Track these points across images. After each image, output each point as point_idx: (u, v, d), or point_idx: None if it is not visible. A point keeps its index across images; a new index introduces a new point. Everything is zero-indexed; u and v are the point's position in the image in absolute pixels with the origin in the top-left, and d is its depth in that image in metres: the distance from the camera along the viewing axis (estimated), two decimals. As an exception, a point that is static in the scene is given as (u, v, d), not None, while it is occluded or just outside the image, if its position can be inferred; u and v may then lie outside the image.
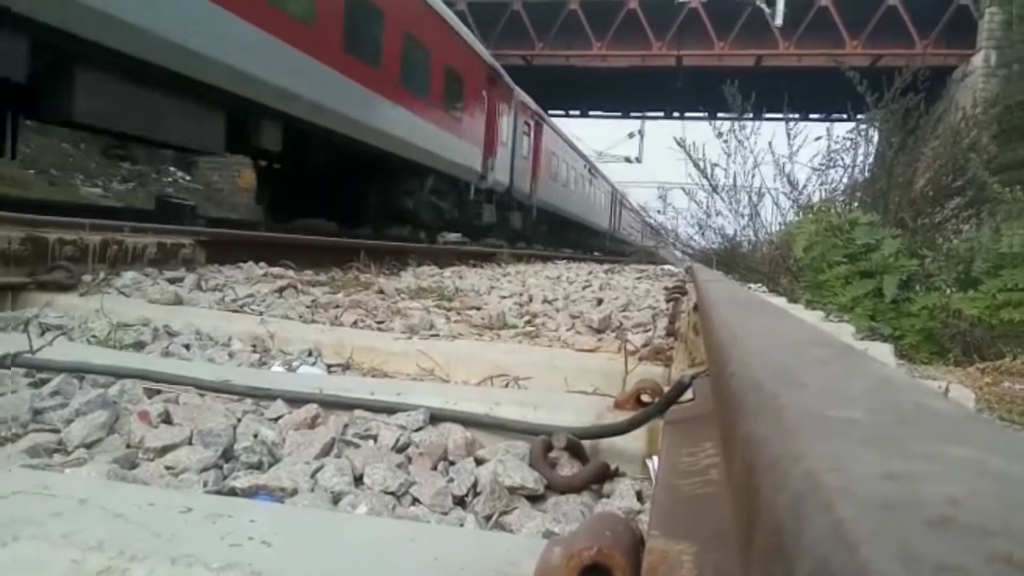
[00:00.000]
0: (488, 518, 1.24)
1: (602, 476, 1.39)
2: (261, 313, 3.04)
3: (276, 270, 4.69)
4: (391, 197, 12.05)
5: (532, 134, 19.92)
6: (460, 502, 1.29)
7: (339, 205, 12.10)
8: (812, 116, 26.65)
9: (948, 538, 0.24)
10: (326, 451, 1.42)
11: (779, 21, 23.72)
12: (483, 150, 15.42)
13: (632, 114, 38.14)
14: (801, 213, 7.91)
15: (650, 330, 3.34)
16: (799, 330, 0.87)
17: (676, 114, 32.38)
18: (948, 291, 4.98)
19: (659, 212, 13.97)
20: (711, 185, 9.60)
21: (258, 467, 1.33)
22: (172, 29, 6.28)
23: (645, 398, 1.65)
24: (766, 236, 9.43)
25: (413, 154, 11.63)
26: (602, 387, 2.14)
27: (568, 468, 1.42)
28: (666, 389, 1.56)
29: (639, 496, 1.33)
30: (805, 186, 8.50)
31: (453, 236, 16.54)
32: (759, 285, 6.63)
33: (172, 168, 18.71)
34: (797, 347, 0.70)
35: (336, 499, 1.23)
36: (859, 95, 7.68)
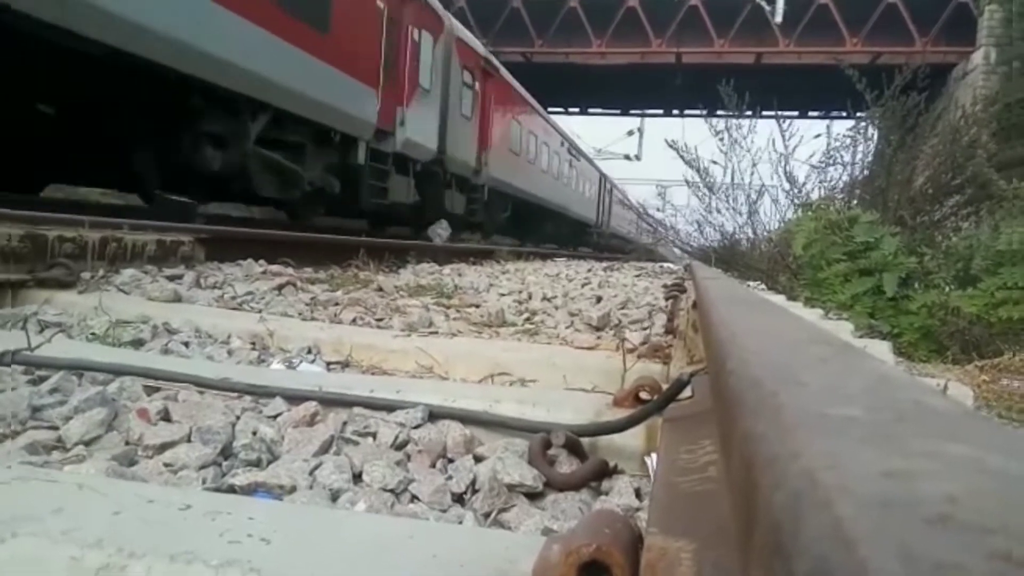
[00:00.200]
0: (487, 515, 1.24)
1: (601, 473, 1.39)
2: (260, 311, 3.03)
3: (275, 267, 4.69)
4: (182, 148, 7.02)
5: (480, 89, 14.75)
6: (459, 499, 1.30)
7: (106, 162, 7.42)
8: (812, 114, 26.68)
9: (947, 536, 0.24)
10: (325, 448, 1.42)
11: (779, 18, 23.71)
12: (381, 93, 9.93)
13: (631, 112, 38.13)
14: (800, 211, 7.91)
15: (649, 328, 3.34)
16: (798, 328, 0.87)
17: (675, 112, 32.38)
18: (947, 289, 4.99)
19: (658, 209, 13.99)
20: (706, 185, 9.60)
21: (257, 464, 1.33)
22: None
23: (644, 396, 1.65)
24: (765, 234, 9.44)
25: (220, 76, 6.72)
26: (601, 384, 2.14)
27: (567, 465, 1.42)
28: (665, 387, 1.56)
29: (638, 493, 1.33)
30: (804, 184, 8.51)
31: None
32: (758, 283, 6.63)
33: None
34: (796, 345, 0.70)
35: (335, 496, 1.23)
36: (859, 93, 7.69)
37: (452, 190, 13.69)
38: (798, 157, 8.64)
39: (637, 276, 8.37)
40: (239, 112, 7.38)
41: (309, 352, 2.42)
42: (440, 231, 12.89)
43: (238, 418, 1.51)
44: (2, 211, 3.38)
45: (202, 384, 1.67)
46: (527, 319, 3.55)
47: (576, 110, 35.00)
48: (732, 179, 9.58)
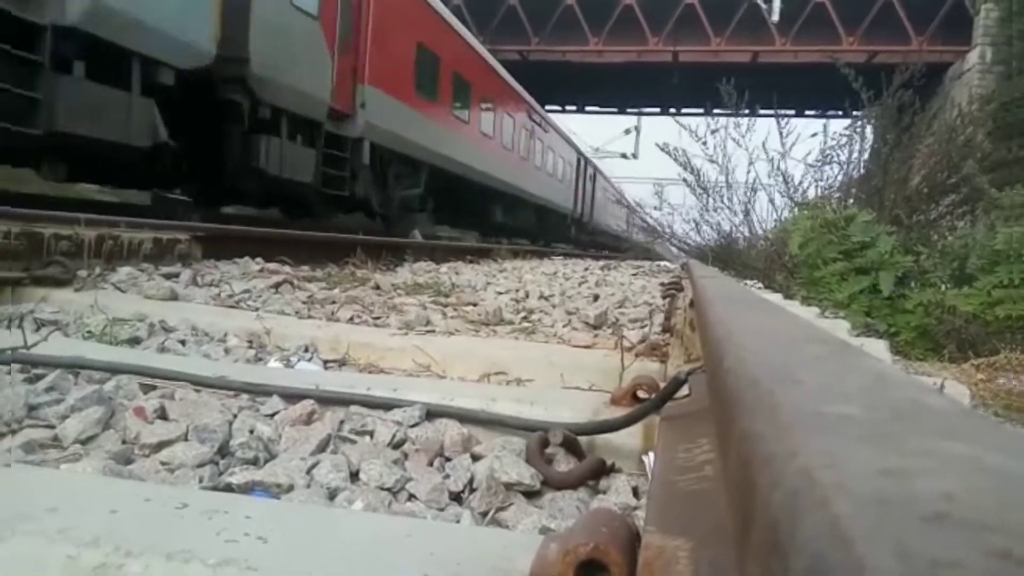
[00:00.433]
0: (484, 514, 1.24)
1: (598, 472, 1.39)
2: (257, 309, 3.03)
3: (272, 266, 4.69)
4: None
5: None
6: (456, 498, 1.30)
7: None
8: (808, 112, 26.69)
9: (944, 534, 0.24)
10: (322, 447, 1.41)
11: (776, 17, 23.73)
12: None
13: (628, 110, 38.12)
14: (797, 210, 7.92)
15: (646, 326, 3.34)
16: (795, 326, 0.87)
17: (672, 110, 32.38)
18: (943, 288, 4.99)
19: (655, 208, 13.99)
20: (701, 187, 9.61)
21: (254, 463, 1.33)
22: None
23: (641, 394, 1.65)
24: (762, 233, 9.45)
25: None
26: (598, 383, 2.14)
27: (564, 464, 1.42)
28: (662, 385, 1.56)
29: (635, 492, 1.33)
30: (801, 183, 8.52)
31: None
32: (755, 282, 6.64)
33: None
34: (793, 343, 0.71)
35: (332, 495, 1.22)
36: (855, 92, 7.69)
37: (280, 139, 7.87)
38: (795, 156, 8.65)
39: (634, 275, 8.38)
40: None
41: (306, 350, 2.42)
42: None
43: (235, 416, 1.51)
44: (-2, 209, 3.35)
45: (199, 382, 1.66)
46: (524, 317, 3.55)
47: (573, 108, 34.98)
48: (727, 178, 9.59)
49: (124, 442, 1.38)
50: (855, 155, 8.53)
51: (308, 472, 1.28)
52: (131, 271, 3.57)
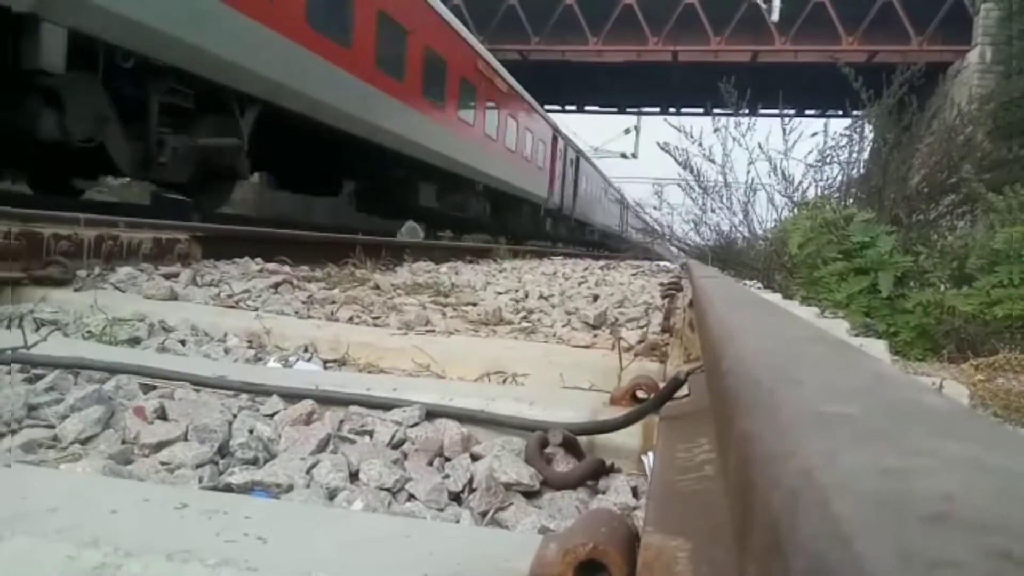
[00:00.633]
0: (484, 514, 1.24)
1: (598, 472, 1.39)
2: (257, 309, 3.03)
3: (272, 265, 4.68)
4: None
5: None
6: (456, 498, 1.29)
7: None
8: (808, 112, 26.69)
9: (944, 534, 0.24)
10: (322, 447, 1.41)
11: (775, 17, 23.74)
12: None
13: (628, 110, 38.12)
14: (796, 210, 7.92)
15: (646, 326, 3.34)
16: (794, 326, 0.87)
17: (672, 110, 32.37)
18: (942, 288, 4.99)
19: (655, 208, 13.99)
20: (700, 187, 9.62)
21: (254, 463, 1.33)
22: None
23: (641, 394, 1.65)
24: (761, 232, 9.45)
25: None
26: (598, 383, 2.14)
27: (564, 464, 1.42)
28: (661, 385, 1.56)
29: (635, 492, 1.33)
30: (800, 182, 8.53)
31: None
32: (754, 282, 6.64)
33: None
34: (792, 343, 0.71)
35: (332, 495, 1.22)
36: (855, 91, 7.70)
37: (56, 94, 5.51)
38: (795, 156, 8.66)
39: (634, 275, 8.38)
40: None
41: (306, 350, 2.42)
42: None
43: (235, 416, 1.51)
44: (-3, 209, 3.34)
45: (199, 382, 1.66)
46: (524, 317, 3.55)
47: (573, 108, 34.97)
48: (725, 179, 9.60)
49: (124, 442, 1.38)
50: (855, 155, 8.54)
51: (308, 472, 1.28)
52: (131, 271, 3.56)
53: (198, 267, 4.24)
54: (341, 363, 2.38)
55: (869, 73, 7.77)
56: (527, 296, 4.63)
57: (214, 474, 1.28)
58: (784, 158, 8.55)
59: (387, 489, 1.26)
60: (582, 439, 1.49)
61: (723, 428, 0.61)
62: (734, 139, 9.27)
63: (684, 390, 1.46)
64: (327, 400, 1.61)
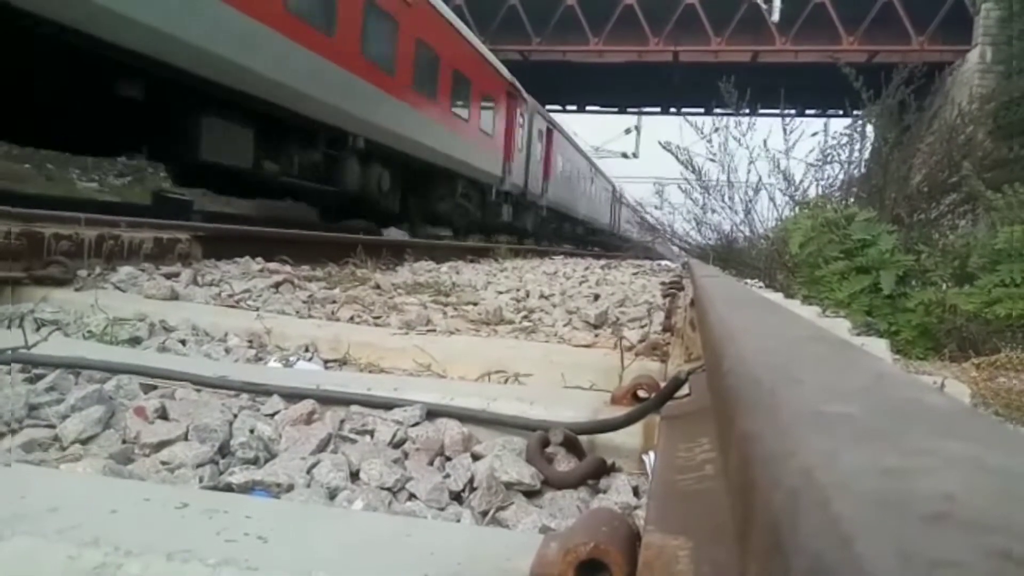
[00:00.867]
0: (485, 513, 1.24)
1: (599, 471, 1.39)
2: (257, 308, 3.03)
3: (272, 265, 4.68)
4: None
5: None
6: (456, 497, 1.29)
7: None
8: (808, 112, 26.69)
9: (944, 534, 0.24)
10: (322, 447, 1.41)
11: (776, 17, 23.72)
12: None
13: (629, 110, 38.10)
14: (797, 209, 7.92)
15: (646, 326, 3.34)
16: (795, 326, 0.87)
17: (673, 110, 32.35)
18: (944, 287, 4.99)
19: (656, 207, 13.99)
20: (702, 186, 9.63)
21: (254, 463, 1.33)
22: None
23: (642, 394, 1.65)
24: (762, 232, 9.45)
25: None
26: (599, 383, 2.14)
27: (565, 463, 1.42)
28: (663, 385, 1.56)
29: (635, 491, 1.33)
30: (801, 182, 8.53)
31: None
32: (755, 281, 6.63)
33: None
34: (793, 343, 0.70)
35: (332, 495, 1.22)
36: (856, 91, 7.70)
37: None
38: (795, 155, 8.66)
39: (635, 274, 8.38)
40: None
41: (306, 350, 2.42)
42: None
43: (235, 416, 1.51)
44: (-2, 209, 3.33)
45: (199, 382, 1.66)
46: (525, 317, 3.55)
47: (574, 108, 34.96)
48: (728, 178, 9.60)
49: (124, 442, 1.38)
50: (856, 154, 8.53)
51: (308, 472, 1.28)
52: (131, 271, 3.56)
53: (199, 267, 4.24)
54: (342, 363, 2.38)
55: (869, 73, 7.76)
56: (528, 295, 4.63)
57: (214, 474, 1.28)
58: (785, 157, 8.55)
59: (388, 488, 1.26)
60: (583, 438, 1.49)
61: (724, 427, 0.61)
62: (735, 139, 9.27)
63: (685, 389, 1.46)
64: (328, 400, 1.61)
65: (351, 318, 3.06)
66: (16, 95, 6.41)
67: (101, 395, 1.52)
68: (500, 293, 4.68)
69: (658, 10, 23.94)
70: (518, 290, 4.88)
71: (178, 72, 6.74)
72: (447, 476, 1.33)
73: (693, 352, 1.85)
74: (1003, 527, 0.24)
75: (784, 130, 8.64)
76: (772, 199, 9.27)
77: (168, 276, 3.63)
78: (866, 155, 8.52)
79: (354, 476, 1.30)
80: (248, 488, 1.22)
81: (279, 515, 0.97)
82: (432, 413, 1.57)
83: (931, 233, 6.86)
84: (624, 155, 47.71)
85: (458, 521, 1.20)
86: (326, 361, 2.37)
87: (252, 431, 1.45)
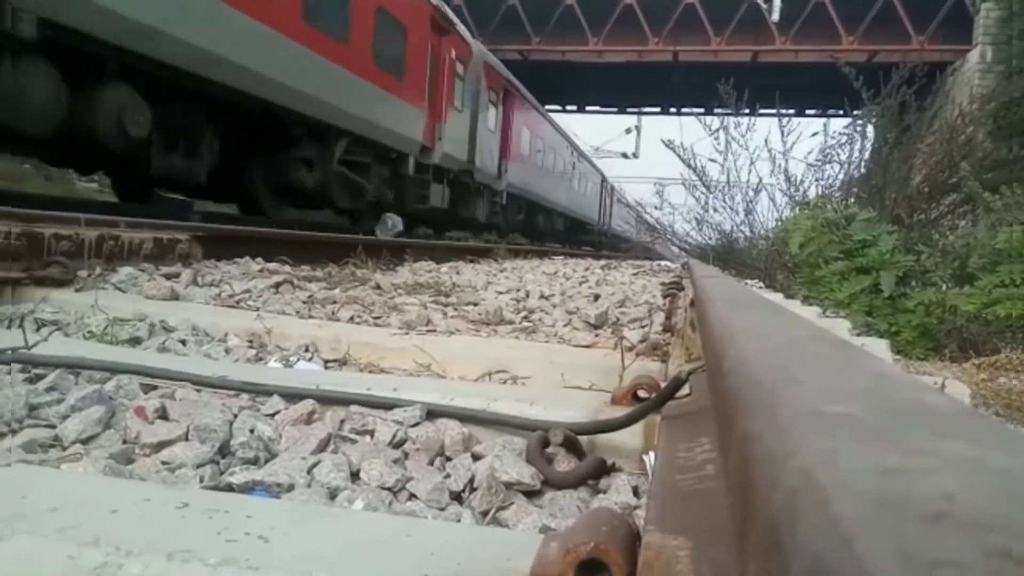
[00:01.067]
0: (485, 513, 1.24)
1: (599, 472, 1.39)
2: (258, 309, 3.03)
3: (272, 265, 4.69)
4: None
5: None
6: (457, 497, 1.29)
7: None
8: (808, 112, 26.69)
9: (944, 534, 0.24)
10: (322, 447, 1.41)
11: (776, 16, 23.71)
12: None
13: (628, 109, 38.10)
14: (797, 209, 7.92)
15: (647, 326, 3.34)
16: (796, 326, 0.87)
17: (672, 110, 32.34)
18: (944, 287, 4.99)
19: (656, 208, 13.98)
20: (704, 185, 9.63)
21: (254, 463, 1.33)
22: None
23: (642, 394, 1.65)
24: (762, 232, 9.45)
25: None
26: (599, 383, 2.14)
27: (565, 464, 1.42)
28: (663, 385, 1.56)
29: (636, 491, 1.33)
30: (801, 182, 8.53)
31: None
32: (756, 281, 6.63)
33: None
34: (794, 343, 0.70)
35: (332, 494, 1.22)
36: (856, 91, 7.70)
37: None
38: (795, 155, 8.66)
39: (635, 274, 8.38)
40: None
41: (307, 350, 2.42)
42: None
43: (236, 416, 1.51)
44: (-3, 209, 3.30)
45: (199, 382, 1.66)
46: (525, 317, 3.55)
47: (573, 108, 34.96)
48: (729, 178, 9.61)
49: (125, 442, 1.38)
50: (856, 154, 8.53)
51: (309, 472, 1.28)
52: (131, 271, 3.56)
53: (199, 267, 4.24)
54: (342, 363, 2.38)
55: (869, 73, 7.77)
56: (528, 296, 4.63)
57: (215, 474, 1.28)
58: (784, 158, 8.56)
59: (388, 488, 1.26)
60: (583, 439, 1.49)
61: (724, 427, 0.61)
62: (734, 139, 9.28)
63: (685, 389, 1.46)
64: (328, 400, 1.61)
65: (351, 318, 3.06)
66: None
67: (101, 395, 1.52)
68: (500, 293, 4.67)
69: (658, 10, 23.94)
70: (518, 290, 4.88)
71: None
72: (447, 476, 1.33)
73: (693, 352, 1.85)
74: (1003, 527, 0.24)
75: (782, 131, 8.64)
76: (772, 199, 9.28)
77: (168, 276, 3.63)
78: (866, 155, 8.52)
79: (354, 476, 1.30)
80: (248, 488, 1.22)
81: (280, 515, 0.97)
82: (432, 413, 1.57)
83: (931, 233, 6.86)
84: (624, 155, 47.71)
85: (458, 521, 1.20)
86: (326, 361, 2.37)
87: (252, 431, 1.45)
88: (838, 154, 8.52)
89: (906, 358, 4.31)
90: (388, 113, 10.71)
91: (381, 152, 11.11)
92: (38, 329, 2.37)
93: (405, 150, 11.76)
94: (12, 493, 0.95)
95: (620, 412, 1.53)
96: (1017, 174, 7.10)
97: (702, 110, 18.06)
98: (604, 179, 34.12)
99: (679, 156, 9.52)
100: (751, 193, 9.46)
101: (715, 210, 10.00)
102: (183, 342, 2.39)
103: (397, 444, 1.46)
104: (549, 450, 1.43)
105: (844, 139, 8.61)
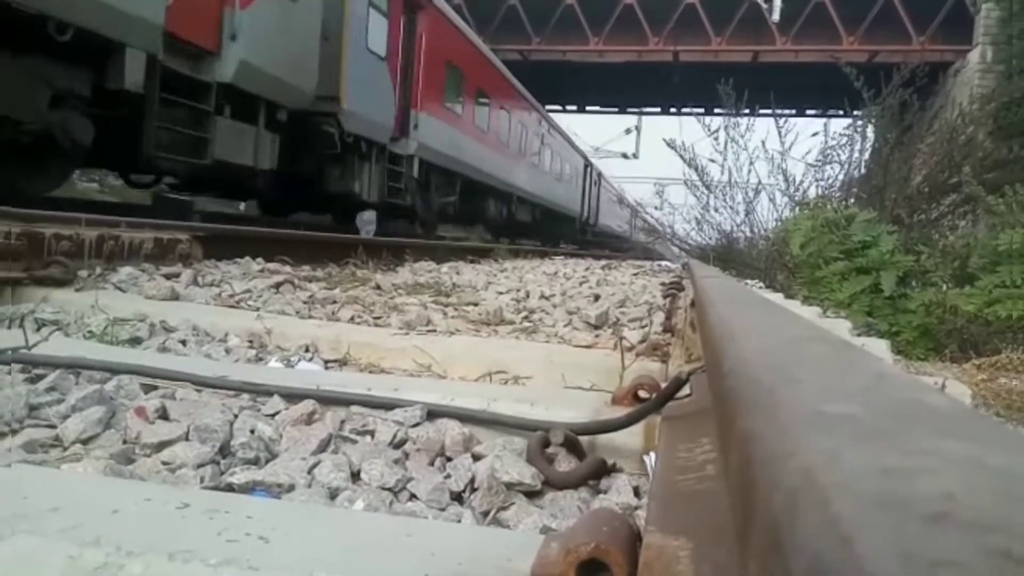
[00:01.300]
0: (485, 514, 1.24)
1: (599, 472, 1.39)
2: (258, 309, 3.03)
3: (273, 265, 4.69)
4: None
5: None
6: (457, 498, 1.29)
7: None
8: (809, 112, 26.69)
9: (945, 534, 0.24)
10: (323, 447, 1.41)
11: (776, 16, 23.71)
12: None
13: (629, 109, 38.10)
14: (797, 209, 7.92)
15: (647, 326, 3.34)
16: (796, 326, 0.87)
17: (673, 109, 32.35)
18: (944, 287, 4.99)
19: (656, 208, 13.98)
20: (704, 184, 9.63)
21: (255, 463, 1.33)
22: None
23: (642, 394, 1.65)
24: (763, 232, 9.45)
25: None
26: (599, 383, 2.14)
27: (565, 464, 1.42)
28: (663, 385, 1.56)
29: (636, 492, 1.33)
30: (802, 182, 8.53)
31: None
32: (756, 281, 6.63)
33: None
34: (794, 343, 0.70)
35: (333, 495, 1.22)
36: (856, 91, 7.70)
37: None
38: (795, 155, 8.67)
39: (635, 274, 8.38)
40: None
41: (307, 350, 2.42)
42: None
43: (236, 416, 1.51)
44: (-2, 209, 3.31)
45: (200, 382, 1.66)
46: (525, 317, 3.55)
47: (573, 108, 34.97)
48: (729, 178, 9.60)
49: (125, 442, 1.39)
50: (856, 154, 8.53)
51: (309, 472, 1.28)
52: (132, 271, 3.57)
53: (199, 267, 4.24)
54: (342, 363, 2.38)
55: (870, 73, 7.77)
56: (528, 296, 4.63)
57: (215, 474, 1.28)
58: (783, 158, 8.56)
59: (388, 489, 1.26)
60: (584, 439, 1.49)
61: (724, 428, 0.61)
62: (733, 140, 9.28)
63: (686, 390, 1.46)
64: (328, 400, 1.61)
65: (351, 318, 3.06)
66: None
67: (102, 395, 1.52)
68: (500, 293, 4.67)
69: (658, 10, 23.94)
70: (518, 290, 4.88)
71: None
72: (448, 476, 1.33)
73: (694, 353, 1.85)
74: (1003, 527, 0.24)
75: (779, 132, 8.64)
76: (772, 199, 9.28)
77: (168, 276, 3.63)
78: (866, 155, 8.52)
79: (355, 476, 1.30)
80: (249, 488, 1.22)
81: (280, 515, 0.97)
82: (432, 413, 1.57)
83: (931, 234, 6.85)
84: (624, 155, 47.71)
85: (459, 521, 1.20)
86: (326, 361, 2.37)
87: (253, 431, 1.45)
88: (838, 154, 8.53)
89: (906, 358, 4.30)
90: (292, 54, 7.50)
91: (250, 104, 7.66)
92: (38, 329, 2.37)
93: (302, 102, 8.19)
94: (13, 493, 0.95)
95: (620, 412, 1.53)
96: (1018, 174, 7.10)
97: (702, 110, 18.07)
98: (588, 163, 28.85)
99: (680, 155, 9.52)
100: (751, 193, 9.46)
101: (715, 210, 10.00)
102: (183, 342, 2.39)
103: (397, 444, 1.46)
104: (550, 450, 1.43)
105: (844, 139, 8.61)
